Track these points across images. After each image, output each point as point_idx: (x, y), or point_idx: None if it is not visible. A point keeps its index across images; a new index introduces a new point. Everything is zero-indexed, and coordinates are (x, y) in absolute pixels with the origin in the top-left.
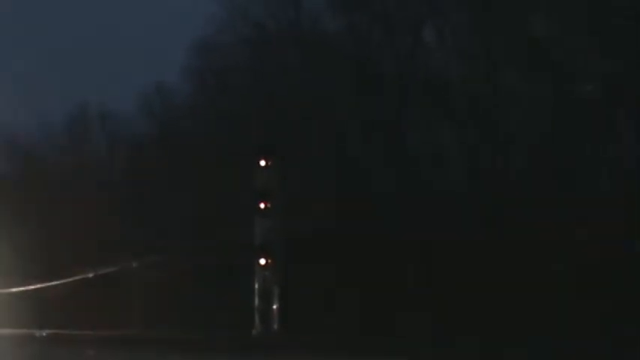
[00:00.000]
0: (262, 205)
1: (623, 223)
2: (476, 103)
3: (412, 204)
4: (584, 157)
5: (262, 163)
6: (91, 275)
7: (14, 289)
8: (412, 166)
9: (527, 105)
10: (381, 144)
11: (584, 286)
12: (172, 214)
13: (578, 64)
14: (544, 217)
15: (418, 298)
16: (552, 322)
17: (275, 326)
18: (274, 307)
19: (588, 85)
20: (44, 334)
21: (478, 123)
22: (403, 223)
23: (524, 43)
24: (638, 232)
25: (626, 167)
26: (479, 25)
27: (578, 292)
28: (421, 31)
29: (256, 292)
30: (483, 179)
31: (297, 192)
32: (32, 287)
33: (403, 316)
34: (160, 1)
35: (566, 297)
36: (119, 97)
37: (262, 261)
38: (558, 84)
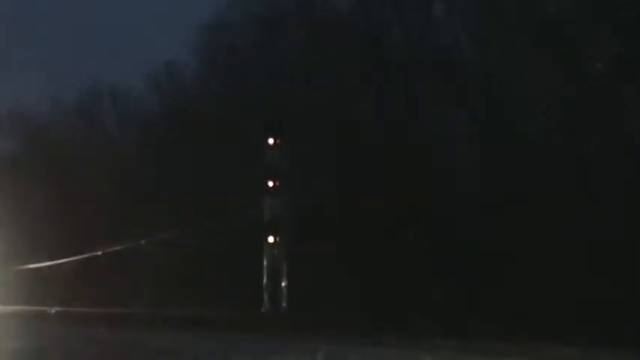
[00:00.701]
0: (271, 184)
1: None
2: (486, 82)
3: (421, 184)
4: (594, 137)
5: (271, 141)
6: (100, 253)
7: (24, 267)
8: (422, 145)
9: (538, 85)
10: (391, 123)
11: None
12: (182, 192)
13: (589, 44)
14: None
15: (431, 275)
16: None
17: (284, 304)
18: (283, 285)
19: (598, 64)
20: (54, 311)
21: (488, 102)
22: (411, 201)
23: (535, 22)
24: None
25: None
26: (489, 3)
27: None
28: (431, 10)
29: (265, 270)
30: (493, 159)
31: (305, 170)
32: (42, 265)
33: (412, 296)
34: None
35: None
36: (130, 76)
37: (271, 239)
38: (570, 64)
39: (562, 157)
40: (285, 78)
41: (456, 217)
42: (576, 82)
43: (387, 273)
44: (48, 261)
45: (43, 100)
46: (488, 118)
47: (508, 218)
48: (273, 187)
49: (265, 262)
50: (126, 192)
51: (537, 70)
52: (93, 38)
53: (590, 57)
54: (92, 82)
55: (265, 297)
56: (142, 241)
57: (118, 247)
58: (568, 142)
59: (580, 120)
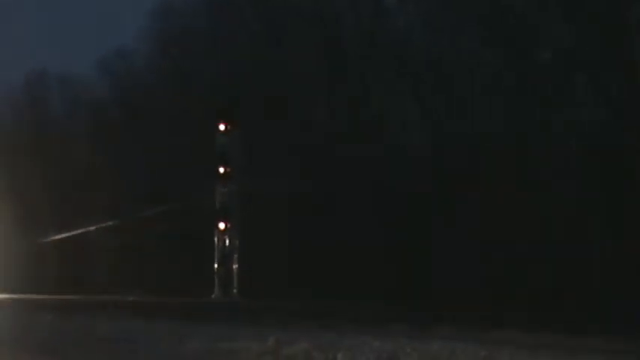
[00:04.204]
0: (222, 170)
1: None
2: (438, 68)
3: (375, 170)
4: (545, 122)
5: (222, 127)
6: (49, 239)
7: None
8: (375, 131)
9: (489, 71)
10: (344, 108)
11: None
12: (133, 178)
13: (539, 30)
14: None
15: (380, 261)
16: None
17: (235, 290)
18: (234, 270)
19: (547, 50)
20: (0, 297)
21: (440, 88)
22: (366, 187)
23: (487, 8)
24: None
25: (585, 131)
26: None
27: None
28: None
29: (216, 256)
30: (446, 145)
31: (258, 156)
32: None
33: (364, 279)
34: None
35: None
36: (79, 61)
37: (222, 225)
38: (521, 50)
39: (513, 139)
40: (237, 64)
41: (408, 200)
42: (527, 69)
43: (338, 259)
44: None
45: None
46: (439, 102)
47: (454, 205)
48: (224, 173)
49: (216, 249)
50: (76, 178)
51: (489, 56)
52: (41, 23)
53: (540, 43)
54: (40, 67)
55: (216, 283)
56: (92, 228)
57: (66, 234)
58: (519, 127)
59: (531, 105)
